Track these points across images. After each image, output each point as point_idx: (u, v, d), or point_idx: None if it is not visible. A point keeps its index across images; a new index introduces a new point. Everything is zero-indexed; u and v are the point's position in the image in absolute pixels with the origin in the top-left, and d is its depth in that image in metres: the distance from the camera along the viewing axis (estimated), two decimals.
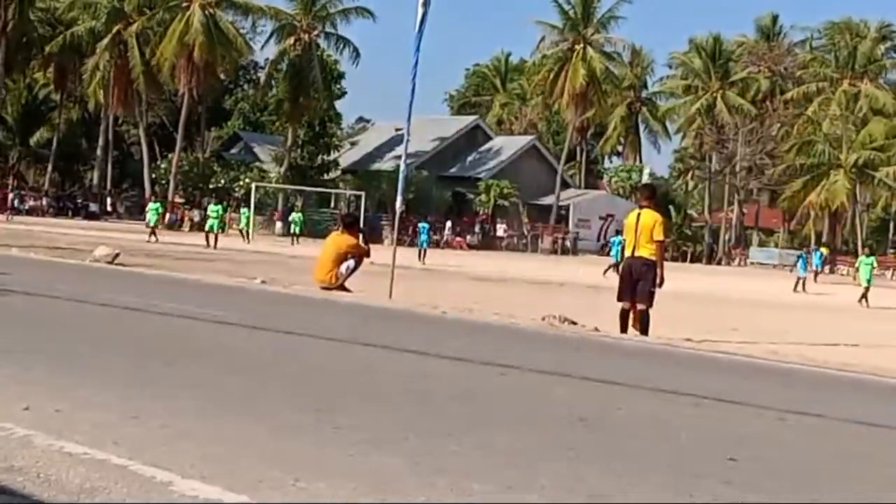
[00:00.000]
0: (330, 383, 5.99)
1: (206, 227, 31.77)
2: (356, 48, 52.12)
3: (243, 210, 43.52)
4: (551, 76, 58.30)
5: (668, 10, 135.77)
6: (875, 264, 26.73)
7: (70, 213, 51.79)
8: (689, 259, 62.24)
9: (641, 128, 74.83)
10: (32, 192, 55.69)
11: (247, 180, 51.22)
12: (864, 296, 24.50)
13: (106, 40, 50.09)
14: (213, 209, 32.47)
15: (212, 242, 29.92)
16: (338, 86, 55.19)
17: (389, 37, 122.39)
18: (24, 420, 4.25)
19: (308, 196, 52.73)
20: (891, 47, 71.24)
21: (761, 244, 69.20)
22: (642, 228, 10.83)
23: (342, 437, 4.38)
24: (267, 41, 51.98)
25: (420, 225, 35.79)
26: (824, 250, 52.55)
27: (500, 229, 55.87)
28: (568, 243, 56.90)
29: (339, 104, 57.13)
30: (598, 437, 4.84)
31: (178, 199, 52.50)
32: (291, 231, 41.21)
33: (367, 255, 14.46)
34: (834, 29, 71.02)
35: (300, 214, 42.84)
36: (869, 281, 25.02)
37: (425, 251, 32.70)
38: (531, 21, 60.84)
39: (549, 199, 57.32)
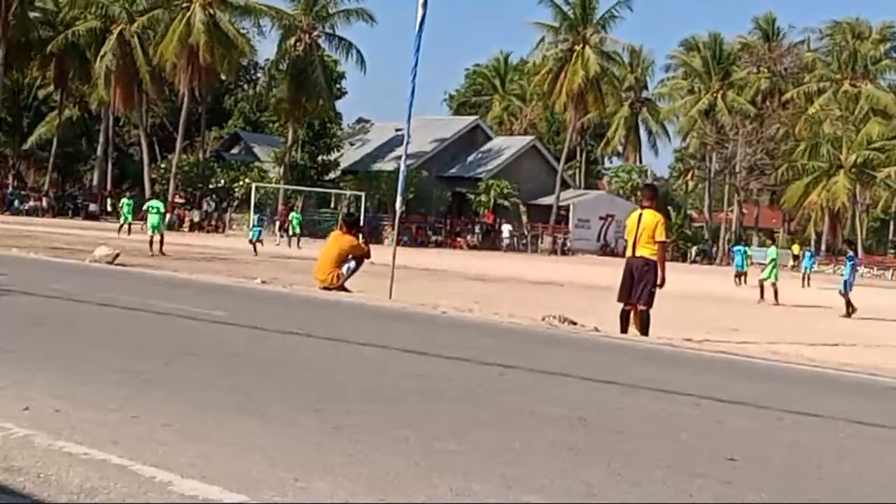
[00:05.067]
0: (330, 383, 5.99)
1: (148, 227, 24.68)
2: (361, 53, 52.16)
3: (294, 214, 41.84)
4: (551, 77, 58.30)
5: (668, 11, 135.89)
6: (776, 256, 23.38)
7: (70, 213, 51.77)
8: (688, 259, 62.30)
9: (641, 128, 74.89)
10: (32, 191, 55.66)
11: (247, 180, 51.19)
12: (765, 290, 22.22)
13: (112, 40, 50.10)
14: (153, 205, 25.48)
15: (155, 247, 23.50)
16: (338, 86, 55.18)
17: (389, 37, 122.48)
18: (24, 420, 4.26)
19: (308, 196, 52.70)
20: (892, 48, 71.23)
21: (761, 244, 69.25)
22: (643, 228, 10.84)
23: (342, 436, 4.38)
24: (279, 43, 51.75)
25: (255, 217, 34.30)
26: (796, 248, 52.53)
27: (506, 230, 55.83)
28: (569, 243, 56.92)
29: (339, 104, 57.19)
30: (598, 437, 4.84)
31: (178, 200, 52.45)
32: (291, 232, 39.69)
33: (368, 255, 14.47)
34: (836, 29, 71.04)
35: (299, 215, 41.82)
36: (768, 275, 22.46)
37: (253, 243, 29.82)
38: (530, 22, 60.85)
39: (549, 200, 57.31)
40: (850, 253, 21.71)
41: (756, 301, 21.94)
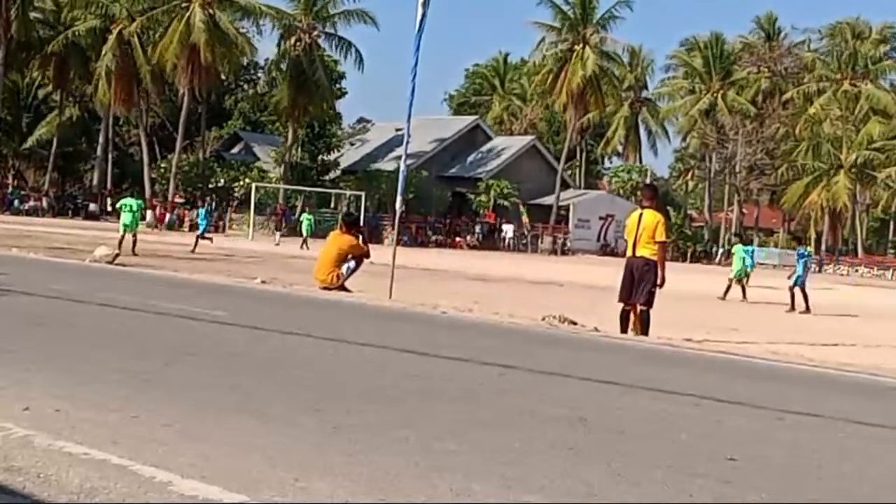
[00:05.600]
0: (330, 383, 5.99)
1: (120, 226, 22.99)
2: (360, 53, 52.14)
3: (306, 216, 40.32)
4: (551, 76, 58.31)
5: (668, 11, 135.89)
6: (747, 254, 23.04)
7: (70, 213, 51.76)
8: (689, 259, 62.27)
9: (641, 128, 74.91)
10: (32, 191, 55.64)
11: (247, 180, 51.20)
12: (738, 287, 22.39)
13: (112, 39, 50.11)
14: (126, 203, 23.34)
15: (126, 246, 21.37)
16: (338, 86, 55.19)
17: (389, 37, 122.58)
18: (24, 420, 4.26)
19: (308, 196, 52.72)
20: (892, 48, 71.23)
21: (761, 244, 69.25)
22: (644, 228, 10.84)
23: (342, 436, 4.38)
24: (279, 43, 51.74)
25: (198, 211, 33.04)
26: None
27: (508, 230, 56.00)
28: (569, 243, 56.94)
29: (339, 104, 57.17)
30: (598, 437, 4.84)
31: (178, 200, 52.44)
32: (305, 234, 37.89)
33: (368, 255, 14.46)
34: (836, 30, 71.06)
35: (310, 216, 40.83)
36: (738, 273, 22.64)
37: (199, 238, 28.18)
38: (530, 22, 60.84)
39: (549, 199, 57.30)
40: (801, 249, 21.55)
41: (738, 300, 21.98)
